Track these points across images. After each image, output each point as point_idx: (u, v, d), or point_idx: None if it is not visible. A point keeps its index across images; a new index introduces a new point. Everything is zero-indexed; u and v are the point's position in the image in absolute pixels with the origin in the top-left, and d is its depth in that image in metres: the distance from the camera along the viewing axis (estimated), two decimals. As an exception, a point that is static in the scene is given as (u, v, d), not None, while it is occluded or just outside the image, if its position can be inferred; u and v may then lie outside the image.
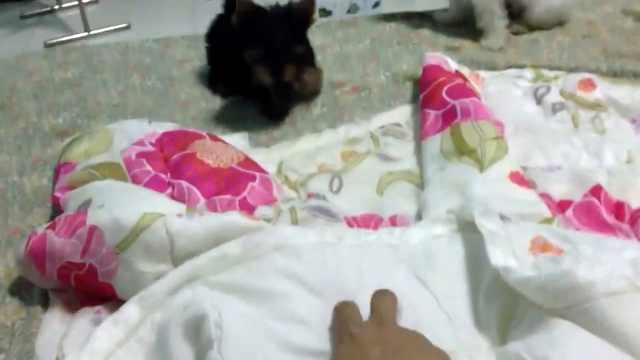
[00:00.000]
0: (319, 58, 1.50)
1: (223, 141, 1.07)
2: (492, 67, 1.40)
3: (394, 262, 0.74)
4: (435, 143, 1.04)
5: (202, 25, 1.47)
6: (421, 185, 1.01)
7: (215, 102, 1.34)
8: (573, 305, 0.59)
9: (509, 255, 0.68)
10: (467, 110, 1.06)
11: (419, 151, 1.09)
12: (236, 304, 0.67)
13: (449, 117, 1.07)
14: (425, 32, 1.61)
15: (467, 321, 0.67)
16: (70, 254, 0.78)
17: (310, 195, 0.99)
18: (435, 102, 1.12)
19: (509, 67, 1.39)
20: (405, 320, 0.63)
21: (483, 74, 1.35)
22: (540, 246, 0.71)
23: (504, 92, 1.25)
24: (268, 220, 0.87)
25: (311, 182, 1.03)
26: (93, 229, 0.78)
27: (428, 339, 0.57)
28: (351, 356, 0.54)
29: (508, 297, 0.66)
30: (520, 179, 0.93)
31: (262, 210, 0.92)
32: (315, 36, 1.62)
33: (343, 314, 0.61)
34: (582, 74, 1.27)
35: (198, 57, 1.53)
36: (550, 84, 1.24)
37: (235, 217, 0.80)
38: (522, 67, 1.38)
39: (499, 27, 1.51)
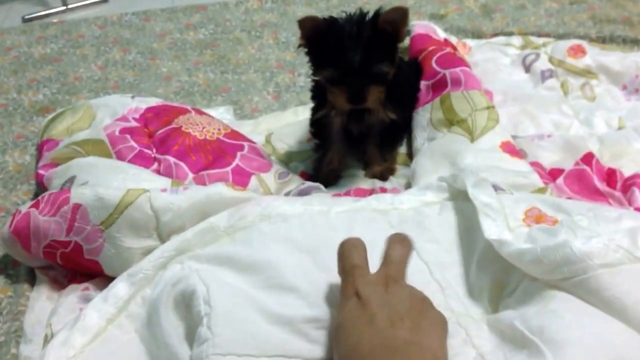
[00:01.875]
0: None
1: (208, 114, 1.05)
2: (479, 35, 1.38)
3: (384, 227, 0.72)
4: (424, 113, 1.03)
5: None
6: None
7: (198, 76, 1.32)
8: (569, 277, 0.58)
9: (503, 227, 0.67)
10: (458, 79, 1.04)
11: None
12: (225, 277, 0.66)
13: (439, 87, 1.05)
14: (409, 1, 1.59)
15: (458, 290, 0.66)
16: (55, 232, 0.77)
17: (302, 174, 0.99)
18: (425, 72, 1.10)
19: (496, 34, 1.38)
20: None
21: (470, 42, 1.33)
22: (534, 217, 0.70)
23: (492, 61, 1.24)
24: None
25: (308, 160, 1.03)
26: (77, 207, 0.76)
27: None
28: (357, 320, 0.53)
29: (501, 267, 0.65)
30: (511, 149, 0.92)
31: (253, 186, 0.91)
32: (298, 7, 1.60)
33: (349, 261, 0.58)
34: (571, 40, 1.25)
35: (178, 30, 1.50)
36: (539, 51, 1.23)
37: (220, 189, 0.78)
38: (509, 34, 1.36)
39: None
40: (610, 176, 0.91)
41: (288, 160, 1.04)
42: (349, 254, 0.58)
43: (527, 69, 1.19)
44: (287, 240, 0.68)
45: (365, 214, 0.75)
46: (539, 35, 1.34)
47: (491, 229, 0.66)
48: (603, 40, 1.31)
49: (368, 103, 0.90)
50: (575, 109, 1.07)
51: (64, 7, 1.77)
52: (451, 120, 0.98)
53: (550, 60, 1.20)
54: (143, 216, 0.75)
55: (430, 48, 1.14)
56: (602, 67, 1.17)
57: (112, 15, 1.58)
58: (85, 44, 1.45)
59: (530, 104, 1.09)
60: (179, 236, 0.73)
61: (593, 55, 1.19)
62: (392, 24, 0.87)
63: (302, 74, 1.30)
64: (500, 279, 0.66)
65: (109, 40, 1.46)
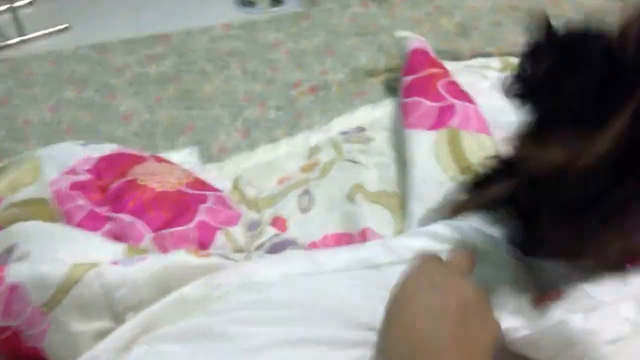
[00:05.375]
0: (271, 56, 1.40)
1: (168, 162, 0.96)
2: (456, 57, 1.32)
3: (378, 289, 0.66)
4: (427, 142, 0.92)
5: (148, 26, 1.35)
6: (396, 207, 0.90)
7: (160, 114, 1.23)
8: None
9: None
10: (468, 117, 0.94)
11: (385, 164, 0.98)
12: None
13: (446, 114, 0.95)
14: (382, 20, 1.52)
15: None
16: (-11, 316, 0.67)
17: (275, 222, 0.90)
18: (431, 92, 1.00)
19: (474, 56, 1.31)
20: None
21: (448, 65, 1.25)
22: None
23: (471, 85, 1.16)
24: (225, 256, 0.77)
25: (279, 203, 0.94)
26: (14, 288, 0.66)
27: None
28: (432, 302, 0.50)
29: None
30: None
31: (219, 242, 0.82)
32: (266, 32, 1.52)
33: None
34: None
35: (138, 63, 1.40)
36: (520, 74, 1.16)
37: (182, 257, 0.70)
38: (488, 55, 1.30)
39: None
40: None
41: (258, 207, 0.95)
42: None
43: (507, 93, 1.12)
44: (267, 309, 0.61)
45: (353, 273, 0.68)
46: (518, 55, 1.27)
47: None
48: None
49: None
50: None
51: (20, 38, 1.68)
52: (461, 165, 0.88)
53: (534, 83, 1.13)
54: (92, 295, 0.65)
55: (434, 70, 1.06)
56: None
57: (66, 50, 1.48)
58: (35, 83, 1.35)
59: (512, 130, 1.01)
60: (143, 313, 0.64)
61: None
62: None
63: (272, 107, 1.21)
64: None
65: (62, 78, 1.37)
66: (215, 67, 1.39)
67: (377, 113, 1.14)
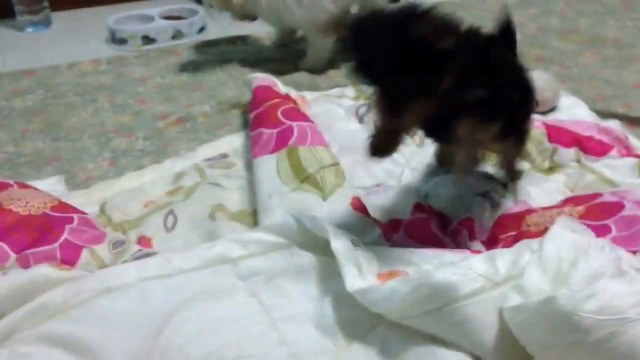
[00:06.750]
0: (139, 89, 1.45)
1: (33, 188, 0.98)
2: (315, 89, 1.42)
3: (232, 281, 0.73)
4: (270, 163, 1.02)
5: (12, 61, 1.35)
6: (254, 224, 0.97)
7: (26, 145, 1.24)
8: (434, 309, 0.61)
9: (363, 279, 0.69)
10: (304, 133, 1.05)
11: (249, 184, 1.06)
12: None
13: (284, 136, 1.05)
14: (250, 57, 1.61)
15: (303, 338, 0.68)
16: None
17: (140, 240, 0.95)
18: (271, 121, 1.10)
19: (331, 87, 1.42)
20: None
21: (308, 95, 1.36)
22: (387, 274, 0.72)
23: (328, 113, 1.27)
24: (89, 272, 0.80)
25: (145, 224, 0.98)
26: None
27: None
28: None
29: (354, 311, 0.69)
30: (360, 206, 0.93)
31: (84, 260, 0.85)
32: (135, 68, 1.57)
33: None
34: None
35: (3, 97, 1.41)
36: (370, 102, 1.27)
37: (45, 271, 0.74)
38: (343, 86, 1.41)
39: (320, 51, 1.53)
40: (442, 221, 0.95)
41: (124, 229, 0.98)
42: None
43: (361, 119, 1.23)
44: (124, 315, 0.65)
45: (210, 270, 0.74)
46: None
47: (354, 282, 0.68)
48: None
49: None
50: (405, 157, 1.11)
51: None
52: (300, 176, 0.98)
53: (381, 110, 1.24)
54: (-46, 309, 0.68)
55: (275, 100, 1.16)
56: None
57: None
58: None
59: (364, 154, 1.11)
60: (5, 319, 0.67)
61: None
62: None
63: (140, 138, 1.25)
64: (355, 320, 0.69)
65: None
66: (83, 100, 1.41)
67: (239, 141, 1.22)
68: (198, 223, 0.97)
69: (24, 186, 0.97)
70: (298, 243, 0.79)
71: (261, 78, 1.27)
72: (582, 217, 0.86)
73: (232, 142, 1.22)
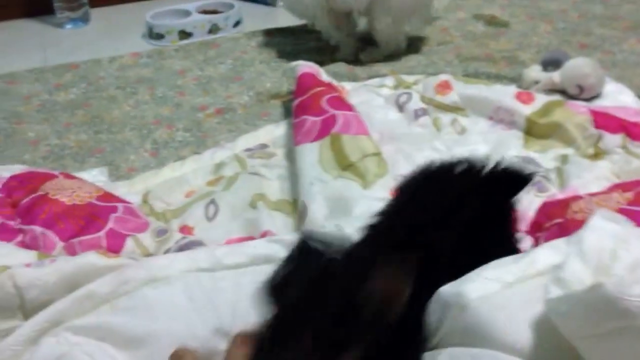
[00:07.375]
0: (178, 82, 1.46)
1: (79, 178, 0.99)
2: (354, 79, 1.41)
3: None
4: (313, 151, 1.01)
5: (53, 56, 1.38)
6: (295, 213, 0.97)
7: (69, 138, 1.26)
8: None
9: None
10: (348, 122, 1.04)
11: (289, 174, 1.05)
12: (109, 352, 0.63)
13: (328, 125, 1.05)
14: (287, 48, 1.61)
15: None
16: None
17: (182, 229, 0.95)
18: (315, 109, 1.10)
19: (370, 77, 1.41)
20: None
21: (347, 85, 1.35)
22: None
23: (367, 103, 1.26)
24: (134, 259, 0.81)
25: (186, 213, 0.99)
26: None
27: None
28: None
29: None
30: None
31: (129, 248, 0.86)
32: (174, 60, 1.58)
33: None
34: (439, 76, 1.28)
35: (47, 91, 1.43)
36: (411, 90, 1.26)
37: (91, 258, 0.74)
38: (383, 76, 1.40)
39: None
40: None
41: (167, 218, 0.99)
42: None
43: (401, 108, 1.22)
44: (172, 306, 0.66)
45: (254, 268, 0.73)
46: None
47: None
48: (467, 77, 1.36)
49: None
50: (447, 144, 1.10)
51: None
52: (342, 164, 0.97)
53: (422, 98, 1.23)
54: (5, 295, 0.69)
55: (319, 88, 1.16)
56: (468, 100, 1.21)
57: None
58: (-58, 111, 1.36)
59: (405, 142, 1.11)
60: (52, 306, 0.68)
61: (459, 90, 1.22)
62: None
63: (180, 129, 1.26)
64: None
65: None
66: (124, 93, 1.43)
67: (279, 131, 1.22)
68: (238, 212, 0.97)
69: (69, 177, 0.99)
70: None
71: (306, 65, 1.26)
72: (631, 203, 0.84)
73: (272, 132, 1.22)
